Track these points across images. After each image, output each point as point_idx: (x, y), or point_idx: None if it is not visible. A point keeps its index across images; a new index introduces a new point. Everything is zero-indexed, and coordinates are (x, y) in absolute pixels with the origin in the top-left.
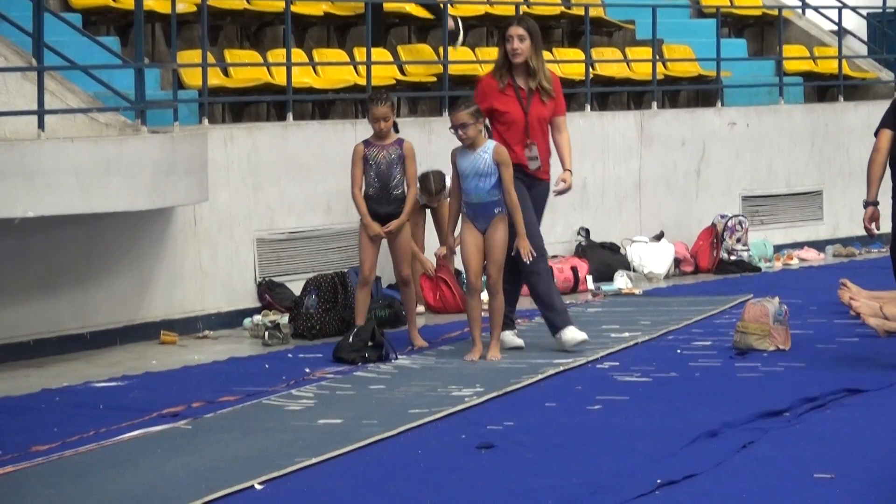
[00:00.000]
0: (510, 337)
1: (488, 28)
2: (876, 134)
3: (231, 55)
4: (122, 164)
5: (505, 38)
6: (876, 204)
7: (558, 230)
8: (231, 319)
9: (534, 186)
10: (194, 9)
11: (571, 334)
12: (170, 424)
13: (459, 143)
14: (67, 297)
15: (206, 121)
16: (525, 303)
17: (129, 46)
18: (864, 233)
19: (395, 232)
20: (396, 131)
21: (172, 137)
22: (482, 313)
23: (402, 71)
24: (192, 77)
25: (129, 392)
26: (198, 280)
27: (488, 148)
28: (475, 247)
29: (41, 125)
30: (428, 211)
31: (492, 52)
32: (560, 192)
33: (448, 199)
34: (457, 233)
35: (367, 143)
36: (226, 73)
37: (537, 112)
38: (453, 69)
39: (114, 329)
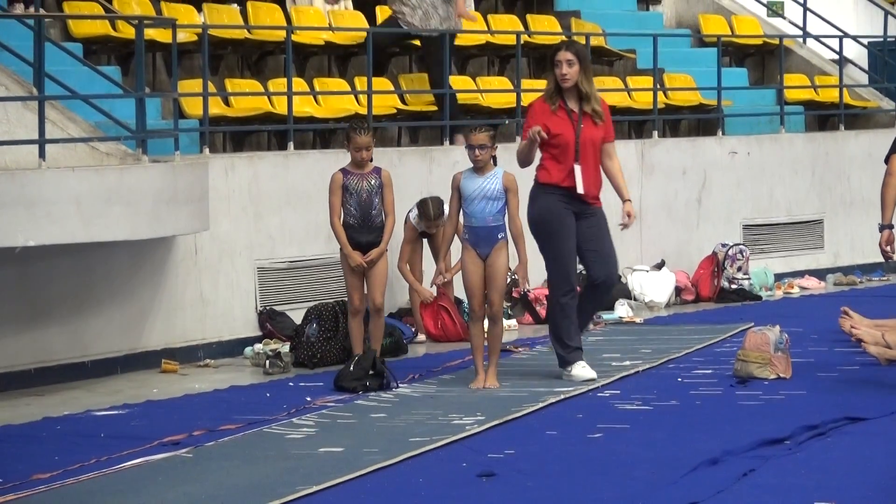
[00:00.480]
0: (579, 370)
1: (489, 57)
2: (887, 160)
3: (232, 84)
4: (123, 193)
5: (554, 63)
6: (891, 227)
7: None
8: (232, 348)
9: (586, 215)
10: (195, 38)
11: (579, 371)
12: (171, 453)
13: (458, 171)
14: (68, 326)
15: (206, 150)
16: (527, 331)
17: (129, 76)
18: (864, 261)
19: (375, 260)
20: (370, 160)
21: (173, 166)
22: (484, 341)
23: (402, 100)
24: (192, 106)
25: (130, 420)
26: (199, 309)
27: (497, 174)
28: (478, 274)
29: (42, 154)
30: (425, 240)
31: (491, 81)
32: (625, 226)
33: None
34: (455, 260)
35: (345, 171)
36: (227, 103)
37: (590, 135)
38: (461, 98)
39: (115, 357)
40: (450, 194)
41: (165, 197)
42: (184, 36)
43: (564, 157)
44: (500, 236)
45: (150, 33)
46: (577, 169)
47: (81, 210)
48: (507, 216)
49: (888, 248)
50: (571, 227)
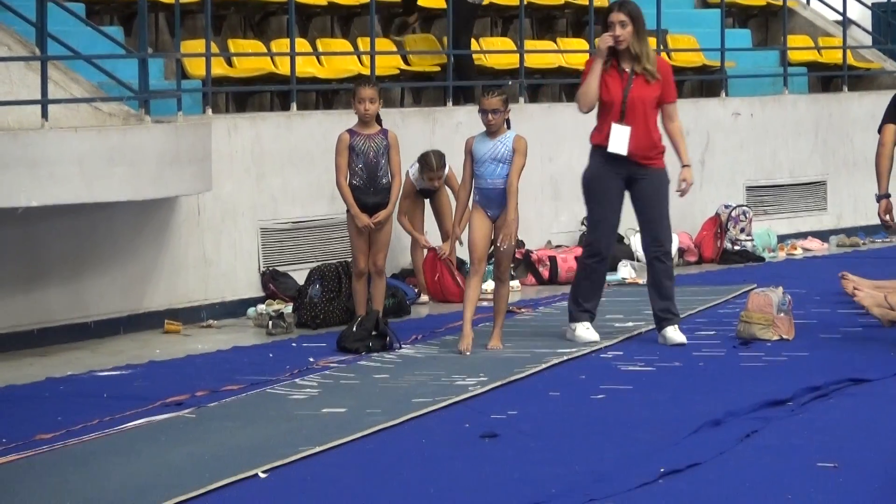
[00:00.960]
0: (583, 331)
1: (492, 18)
2: (880, 130)
3: (235, 45)
4: (126, 153)
5: (607, 24)
6: (888, 196)
7: (563, 220)
8: (235, 309)
9: (638, 178)
10: None
11: (582, 332)
12: (174, 413)
13: (465, 134)
14: (71, 286)
15: (209, 111)
16: (530, 292)
17: (132, 36)
18: (867, 223)
19: (382, 222)
20: (379, 122)
21: (176, 127)
22: (478, 298)
23: (406, 61)
24: (195, 67)
25: (132, 381)
26: (201, 269)
27: (509, 136)
28: (483, 232)
29: (45, 115)
30: (427, 201)
31: (494, 42)
32: (682, 193)
33: (446, 185)
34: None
35: (351, 132)
36: (229, 63)
37: (639, 94)
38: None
39: (117, 318)
40: (463, 159)
41: (168, 157)
42: None
43: (608, 115)
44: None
45: None
46: (616, 129)
47: (84, 170)
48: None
49: (887, 217)
50: (614, 191)
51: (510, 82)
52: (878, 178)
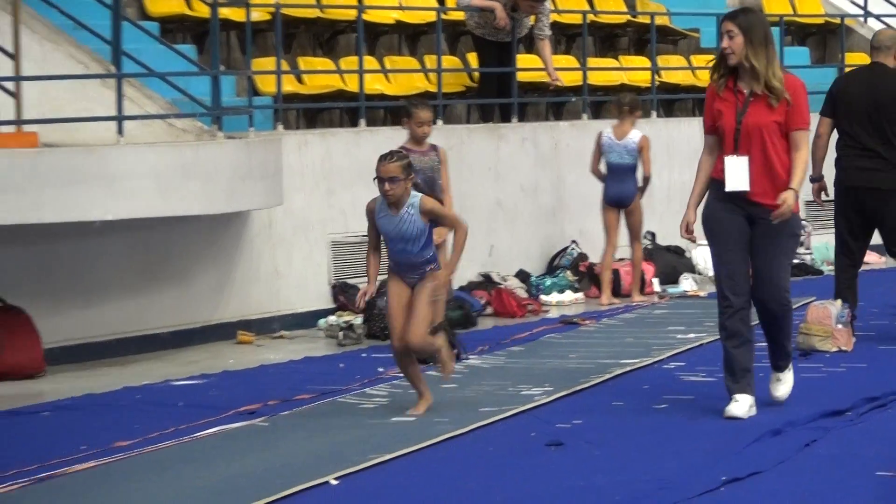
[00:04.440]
0: (731, 406)
1: (556, 36)
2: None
3: (304, 62)
4: (200, 168)
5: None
6: (821, 178)
7: (624, 234)
8: (306, 320)
9: (758, 220)
10: (269, 17)
11: (729, 406)
12: (247, 422)
13: (524, 146)
14: (147, 298)
15: (280, 127)
16: (593, 304)
17: (205, 54)
18: None
19: (444, 237)
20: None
21: (248, 143)
22: (417, 371)
23: (471, 78)
24: (266, 84)
25: (207, 390)
26: (273, 281)
27: (414, 207)
28: (400, 304)
29: (120, 131)
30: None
31: (558, 60)
32: (776, 217)
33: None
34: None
35: (406, 150)
36: (299, 80)
37: (756, 120)
38: (522, 76)
39: (191, 329)
40: (368, 225)
41: (240, 172)
42: (257, 15)
43: (724, 145)
44: (429, 269)
45: (225, 12)
46: (730, 161)
47: (158, 185)
48: None
49: (819, 198)
50: (732, 233)
51: (573, 99)
52: (813, 163)
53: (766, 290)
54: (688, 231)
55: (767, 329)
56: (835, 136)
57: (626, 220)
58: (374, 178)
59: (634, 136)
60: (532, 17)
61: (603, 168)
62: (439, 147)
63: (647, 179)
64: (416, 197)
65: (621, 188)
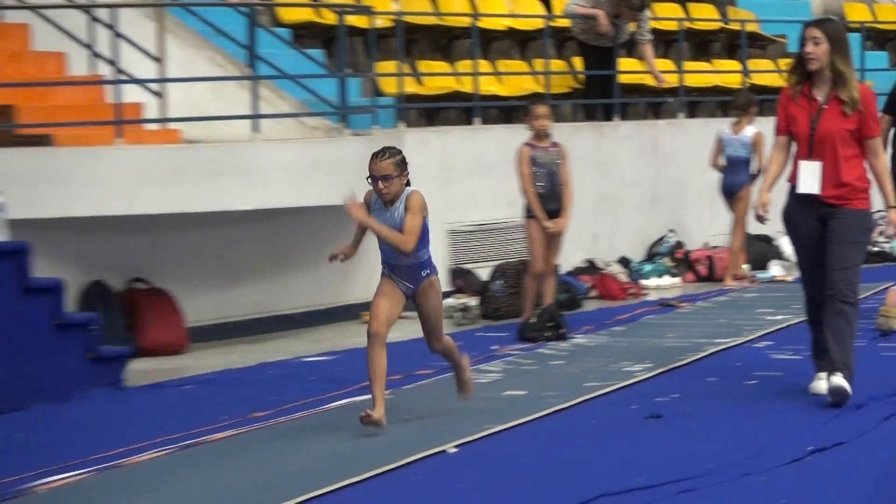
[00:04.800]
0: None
1: (654, 41)
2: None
3: (424, 65)
4: (328, 162)
5: (801, 42)
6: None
7: (718, 223)
8: None
9: (830, 218)
10: (391, 24)
11: (814, 383)
12: (372, 395)
13: (624, 143)
14: (281, 281)
15: (401, 124)
16: (690, 288)
17: (332, 58)
18: None
19: (563, 227)
20: (549, 136)
21: (372, 139)
22: (385, 367)
23: (577, 80)
24: (389, 85)
25: (335, 366)
26: None
27: (401, 201)
28: (387, 296)
29: (256, 128)
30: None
31: (657, 64)
32: (890, 236)
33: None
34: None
35: (530, 145)
36: (419, 82)
37: (829, 127)
38: (623, 78)
39: (320, 310)
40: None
41: (365, 167)
42: (381, 22)
43: (799, 151)
44: (423, 273)
45: (351, 19)
46: (804, 166)
47: (291, 178)
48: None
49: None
50: (806, 234)
51: (671, 99)
52: (767, 177)
53: (833, 286)
54: (763, 209)
55: (831, 327)
56: None
57: (733, 207)
58: (367, 178)
59: (749, 131)
60: (633, 24)
61: (722, 161)
62: (560, 143)
63: (760, 171)
64: (407, 190)
65: (733, 179)
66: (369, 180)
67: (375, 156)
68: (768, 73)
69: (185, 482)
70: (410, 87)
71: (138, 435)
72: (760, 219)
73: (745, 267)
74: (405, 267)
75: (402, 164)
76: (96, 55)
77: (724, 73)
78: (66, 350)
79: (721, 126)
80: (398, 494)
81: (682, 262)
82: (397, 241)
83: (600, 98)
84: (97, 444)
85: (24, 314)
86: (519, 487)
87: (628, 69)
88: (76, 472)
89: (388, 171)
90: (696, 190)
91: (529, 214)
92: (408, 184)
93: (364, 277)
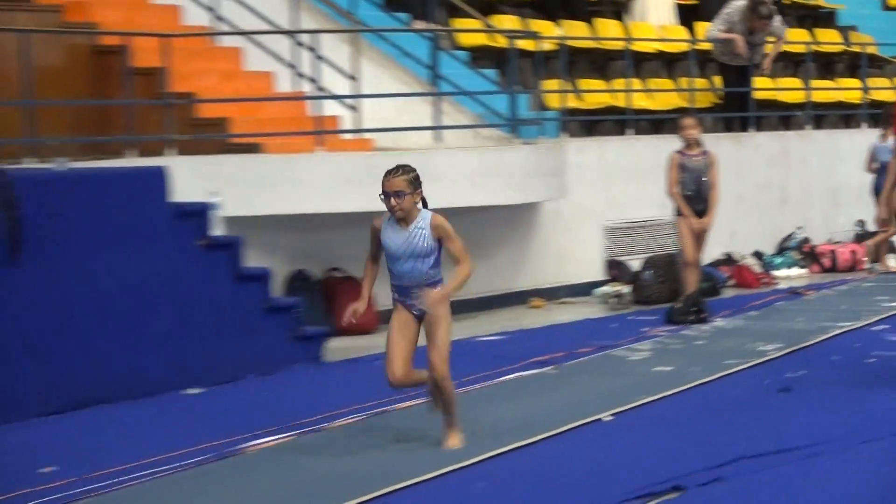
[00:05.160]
0: None
1: (783, 62)
2: None
3: (583, 83)
4: (500, 168)
5: None
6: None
7: (841, 221)
8: (585, 289)
9: None
10: (555, 47)
11: None
12: (539, 370)
13: (759, 151)
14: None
15: (564, 135)
16: (815, 278)
17: (504, 77)
18: None
19: (708, 226)
20: (700, 145)
21: (538, 148)
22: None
23: (717, 96)
24: (553, 100)
25: (507, 345)
26: (559, 258)
27: (425, 222)
28: (402, 336)
29: (439, 138)
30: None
31: (785, 81)
32: None
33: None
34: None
35: (681, 153)
36: (579, 98)
37: None
38: (757, 94)
39: (494, 296)
40: (370, 239)
41: (532, 171)
42: (546, 45)
43: None
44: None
45: (520, 43)
46: None
47: (470, 181)
48: None
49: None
50: None
51: (799, 114)
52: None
53: None
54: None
55: None
56: None
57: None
58: (380, 195)
59: (892, 140)
60: (768, 47)
61: (875, 165)
62: (710, 151)
63: None
64: (427, 212)
65: (879, 181)
66: (381, 197)
67: (389, 173)
68: (885, 89)
69: (377, 445)
70: (572, 102)
71: (336, 403)
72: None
73: (867, 259)
74: (423, 286)
75: (416, 182)
76: (300, 75)
77: (846, 90)
78: (274, 330)
79: (871, 138)
80: (565, 452)
81: (809, 255)
82: (465, 275)
83: (738, 112)
84: (300, 411)
85: (237, 299)
86: (669, 449)
87: (762, 86)
88: (284, 435)
89: (401, 188)
90: (820, 192)
91: (679, 213)
92: (424, 205)
93: (532, 268)
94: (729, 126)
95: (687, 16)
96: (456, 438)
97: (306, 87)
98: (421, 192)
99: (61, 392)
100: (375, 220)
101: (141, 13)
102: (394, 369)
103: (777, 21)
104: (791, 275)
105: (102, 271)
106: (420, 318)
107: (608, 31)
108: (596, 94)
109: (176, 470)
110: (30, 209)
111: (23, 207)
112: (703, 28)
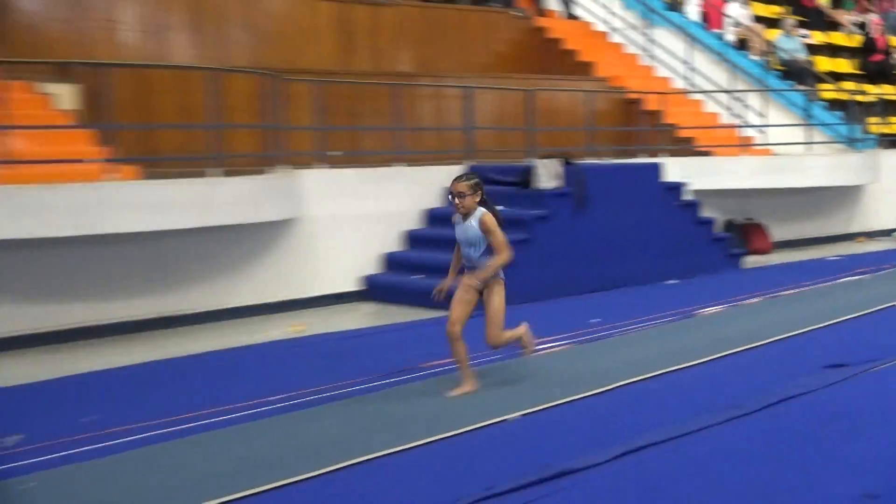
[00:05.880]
0: None
1: None
2: None
3: (892, 119)
4: (845, 164)
5: None
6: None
7: None
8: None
9: None
10: (876, 99)
11: None
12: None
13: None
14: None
15: (878, 148)
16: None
17: (846, 115)
18: None
19: None
20: None
21: (862, 155)
22: (464, 352)
23: None
24: (873, 128)
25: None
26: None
27: (476, 219)
28: (464, 293)
29: (809, 149)
30: None
31: None
32: None
33: None
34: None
35: None
36: (888, 125)
37: None
38: None
39: (827, 236)
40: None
41: (866, 166)
42: (870, 98)
43: None
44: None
45: (856, 97)
46: None
47: (825, 173)
48: None
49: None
50: None
51: None
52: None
53: None
54: None
55: None
56: None
57: None
58: (449, 194)
59: None
60: None
61: None
62: None
63: None
64: (481, 210)
65: None
66: (450, 197)
67: (456, 179)
68: None
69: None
70: (883, 129)
71: (748, 289)
72: None
73: None
74: (473, 269)
75: (475, 187)
76: (734, 115)
77: None
78: (716, 252)
79: None
80: (609, 410)
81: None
82: (502, 262)
83: None
84: (732, 293)
85: (696, 234)
86: None
87: None
88: (724, 305)
89: (462, 191)
90: None
91: None
92: (482, 203)
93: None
94: None
95: None
96: (530, 345)
97: (736, 120)
98: (482, 193)
99: (603, 280)
100: (454, 216)
101: (649, 80)
102: (453, 319)
103: None
104: None
105: (626, 218)
106: (480, 291)
107: None
108: None
109: (654, 325)
110: (590, 184)
111: (587, 182)
112: None
